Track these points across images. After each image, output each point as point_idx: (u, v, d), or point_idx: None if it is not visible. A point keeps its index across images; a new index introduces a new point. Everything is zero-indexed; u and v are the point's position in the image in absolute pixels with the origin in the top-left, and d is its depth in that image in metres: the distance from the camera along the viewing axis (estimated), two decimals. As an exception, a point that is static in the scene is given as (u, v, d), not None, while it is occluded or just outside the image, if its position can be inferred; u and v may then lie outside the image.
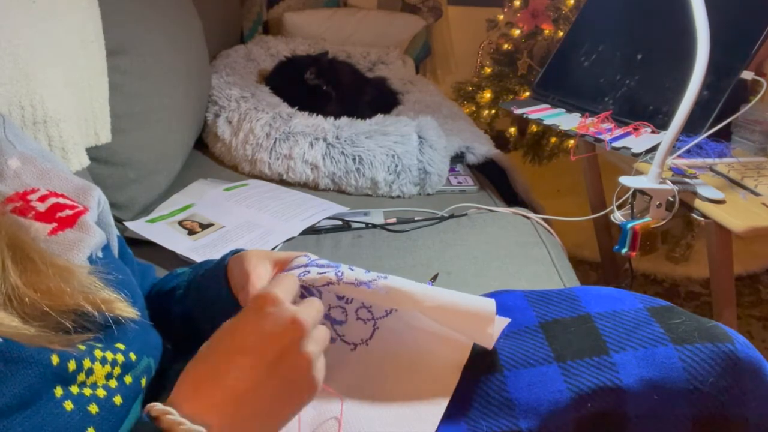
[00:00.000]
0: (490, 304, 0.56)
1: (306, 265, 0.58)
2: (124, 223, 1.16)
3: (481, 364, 0.57)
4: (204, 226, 1.18)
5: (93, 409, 0.47)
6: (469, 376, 0.56)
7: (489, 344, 0.56)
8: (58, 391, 0.46)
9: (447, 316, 0.56)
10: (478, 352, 0.58)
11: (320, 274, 0.56)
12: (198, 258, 1.06)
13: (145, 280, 0.74)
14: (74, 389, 0.47)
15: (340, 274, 0.56)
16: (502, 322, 0.59)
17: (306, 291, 0.58)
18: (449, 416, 0.55)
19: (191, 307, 0.66)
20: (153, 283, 0.75)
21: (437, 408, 0.54)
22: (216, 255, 1.02)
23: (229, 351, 0.46)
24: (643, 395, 0.53)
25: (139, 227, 1.15)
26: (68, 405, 0.46)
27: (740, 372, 0.54)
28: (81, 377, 0.47)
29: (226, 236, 1.16)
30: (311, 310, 0.50)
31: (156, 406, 0.43)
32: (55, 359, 0.45)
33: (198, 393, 0.44)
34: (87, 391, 0.47)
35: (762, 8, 1.11)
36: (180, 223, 1.19)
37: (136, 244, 1.09)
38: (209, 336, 0.48)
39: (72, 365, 0.46)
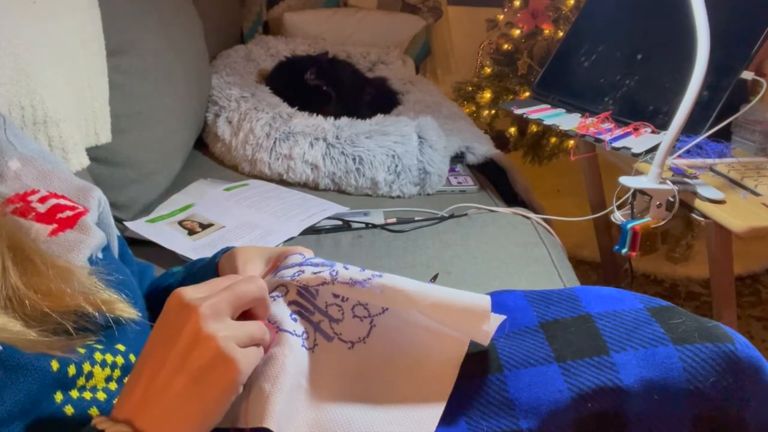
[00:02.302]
0: (485, 300, 0.56)
1: (300, 264, 0.58)
2: (124, 223, 1.16)
3: (481, 364, 0.57)
4: (204, 226, 1.18)
5: (93, 412, 0.47)
6: (468, 376, 0.56)
7: (484, 341, 0.56)
8: (59, 397, 0.46)
9: (442, 313, 0.56)
10: (478, 351, 0.58)
11: (315, 273, 0.56)
12: (197, 258, 1.06)
13: (145, 279, 0.74)
14: (74, 394, 0.47)
15: (334, 273, 0.56)
16: (498, 319, 0.59)
17: (304, 291, 0.57)
18: (449, 416, 0.54)
19: None
20: (152, 283, 0.75)
21: (436, 407, 0.54)
22: (216, 255, 1.02)
23: (143, 354, 0.45)
24: (644, 395, 0.53)
25: (139, 227, 1.15)
26: (69, 410, 0.46)
27: (741, 372, 0.54)
28: (81, 381, 0.47)
29: (226, 236, 1.16)
30: (205, 289, 0.47)
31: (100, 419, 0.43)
32: (55, 365, 0.45)
33: (122, 399, 0.44)
34: (87, 395, 0.47)
35: (762, 8, 1.11)
36: (180, 223, 1.19)
37: (136, 243, 1.09)
38: None
39: (72, 370, 0.46)
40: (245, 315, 0.50)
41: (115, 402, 0.45)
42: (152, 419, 0.42)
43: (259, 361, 0.49)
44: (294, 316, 0.56)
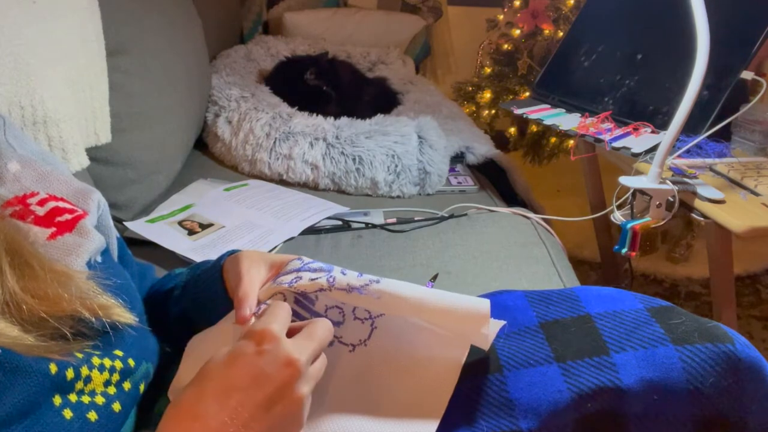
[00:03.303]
0: (484, 304, 0.56)
1: (298, 270, 0.58)
2: (124, 223, 1.16)
3: (481, 365, 0.57)
4: (204, 226, 1.18)
5: (92, 416, 0.47)
6: (469, 377, 0.56)
7: (484, 345, 0.56)
8: (57, 400, 0.45)
9: (441, 319, 0.56)
10: (478, 352, 0.58)
11: (312, 280, 0.56)
12: (198, 258, 1.06)
13: (145, 281, 0.74)
14: (73, 397, 0.47)
15: (331, 279, 0.56)
16: (497, 324, 0.59)
17: (302, 297, 0.57)
18: (449, 416, 0.54)
19: (188, 307, 0.66)
20: (152, 284, 0.75)
21: (437, 409, 0.54)
22: (216, 255, 1.02)
23: (218, 388, 0.45)
24: (643, 395, 0.53)
25: (139, 227, 1.15)
26: (67, 413, 0.46)
27: (740, 372, 0.54)
28: (79, 385, 0.47)
29: (226, 236, 1.16)
30: (309, 346, 0.49)
31: None
32: (53, 368, 0.45)
33: (190, 400, 0.45)
34: (86, 399, 0.47)
35: (762, 8, 1.11)
36: (180, 223, 1.19)
37: (136, 244, 1.09)
38: None
39: (70, 373, 0.46)
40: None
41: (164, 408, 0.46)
42: None
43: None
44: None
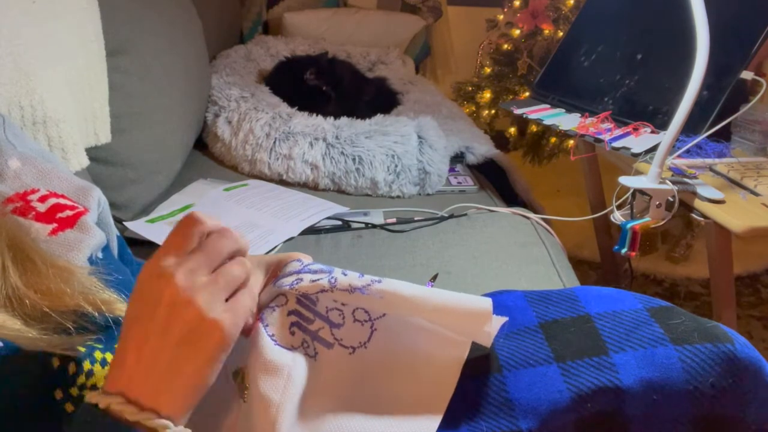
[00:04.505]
0: (486, 302, 0.56)
1: (299, 272, 0.58)
2: (124, 223, 1.16)
3: (480, 365, 0.57)
4: (204, 226, 1.18)
5: None
6: (468, 377, 0.56)
7: (487, 342, 0.56)
8: (59, 394, 0.46)
9: (443, 317, 0.56)
10: (478, 351, 0.58)
11: (313, 281, 0.56)
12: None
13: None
14: (74, 391, 0.47)
15: (333, 280, 0.56)
16: (499, 320, 0.59)
17: (304, 298, 0.57)
18: (449, 417, 0.54)
19: None
20: None
21: (437, 410, 0.54)
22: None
23: (125, 327, 0.45)
24: (643, 395, 0.53)
25: (139, 227, 1.15)
26: (69, 407, 0.46)
27: (740, 372, 0.54)
28: (81, 379, 0.47)
29: (226, 236, 1.16)
30: (175, 254, 0.46)
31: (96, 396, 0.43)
32: (55, 362, 0.45)
33: (111, 372, 0.44)
34: (87, 393, 0.47)
35: (762, 8, 1.11)
36: (180, 223, 1.19)
37: (136, 244, 1.09)
38: None
39: (72, 368, 0.46)
40: None
41: (105, 377, 0.45)
42: (144, 388, 0.43)
43: (249, 310, 0.49)
44: (292, 328, 0.56)
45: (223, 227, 0.48)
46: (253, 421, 0.50)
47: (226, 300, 0.46)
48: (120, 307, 0.52)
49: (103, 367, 0.49)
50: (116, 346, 0.45)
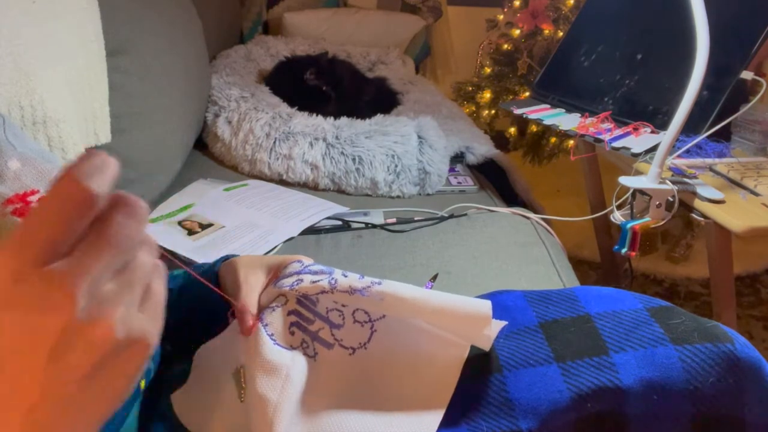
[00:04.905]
0: (486, 305, 0.56)
1: (299, 272, 0.58)
2: (124, 223, 1.16)
3: (480, 365, 0.57)
4: (204, 226, 1.18)
5: None
6: (468, 377, 0.56)
7: (486, 346, 0.56)
8: None
9: (443, 320, 0.56)
10: (478, 351, 0.58)
11: (313, 282, 0.56)
12: (198, 258, 1.06)
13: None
14: None
15: (333, 282, 0.56)
16: (498, 324, 0.59)
17: (304, 299, 0.57)
18: (449, 417, 0.54)
19: (185, 312, 0.66)
20: None
21: (437, 410, 0.54)
22: (216, 255, 1.02)
23: None
24: (643, 395, 0.53)
25: (139, 227, 1.15)
26: None
27: (740, 372, 0.54)
28: None
29: (226, 236, 1.16)
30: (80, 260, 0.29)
31: None
32: None
33: None
34: None
35: (762, 8, 1.11)
36: (180, 223, 1.19)
37: (136, 244, 1.09)
38: (204, 340, 0.47)
39: None
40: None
41: None
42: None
43: (161, 310, 0.34)
44: (292, 328, 0.56)
45: (120, 194, 0.30)
46: (251, 421, 0.50)
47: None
48: None
49: None
50: None
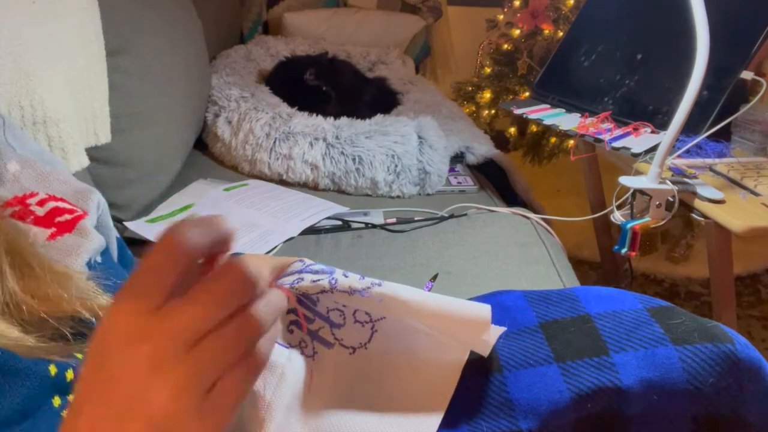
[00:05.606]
0: (485, 309, 0.55)
1: (300, 271, 0.58)
2: (124, 223, 1.16)
3: (480, 365, 0.57)
4: (204, 227, 1.18)
5: None
6: (468, 377, 0.56)
7: (485, 351, 0.56)
8: (56, 401, 0.46)
9: (442, 324, 0.56)
10: (478, 353, 0.58)
11: (314, 281, 0.56)
12: (198, 258, 1.06)
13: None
14: (72, 398, 0.47)
15: (333, 281, 0.56)
16: (498, 330, 0.59)
17: (304, 298, 0.57)
18: (448, 417, 0.54)
19: None
20: None
21: (436, 413, 0.54)
22: (216, 255, 1.02)
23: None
24: (644, 396, 0.53)
25: (139, 227, 1.15)
26: (66, 414, 0.45)
27: (740, 372, 0.54)
28: None
29: (226, 236, 1.16)
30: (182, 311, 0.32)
31: None
32: (53, 370, 0.45)
33: None
34: None
35: (762, 8, 1.11)
36: (180, 223, 1.19)
37: (136, 244, 1.09)
38: None
39: (70, 375, 0.46)
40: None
41: None
42: None
43: (256, 376, 0.34)
44: (291, 327, 0.56)
45: (232, 264, 0.34)
46: (243, 416, 0.50)
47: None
48: None
49: None
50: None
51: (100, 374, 0.32)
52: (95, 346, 0.33)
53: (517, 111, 1.42)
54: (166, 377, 0.31)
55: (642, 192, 1.05)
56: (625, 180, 1.05)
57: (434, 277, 1.04)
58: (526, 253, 1.16)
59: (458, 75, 2.63)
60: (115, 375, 0.31)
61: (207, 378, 0.32)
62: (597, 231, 1.79)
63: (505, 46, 2.36)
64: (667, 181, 1.02)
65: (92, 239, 0.57)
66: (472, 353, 0.57)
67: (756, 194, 1.01)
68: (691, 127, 1.07)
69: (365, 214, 1.30)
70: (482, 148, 1.57)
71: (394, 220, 1.27)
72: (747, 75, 1.09)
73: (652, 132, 1.16)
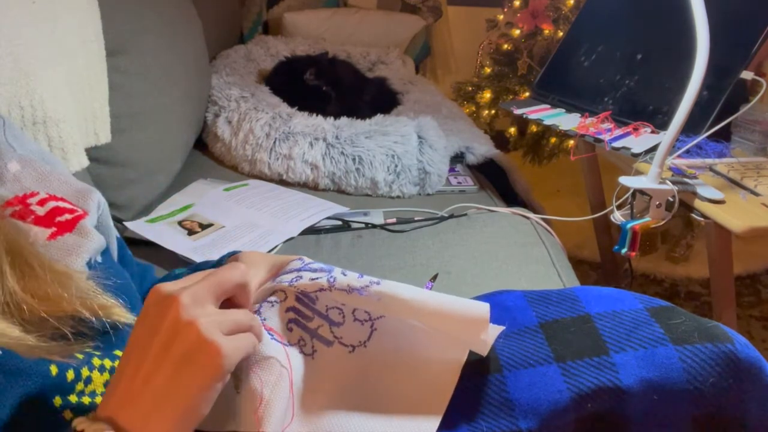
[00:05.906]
0: (484, 308, 0.55)
1: (299, 270, 0.58)
2: (124, 223, 1.16)
3: (480, 365, 0.57)
4: (204, 226, 1.18)
5: None
6: (468, 377, 0.56)
7: (483, 351, 0.56)
8: (57, 401, 0.46)
9: (440, 322, 0.56)
10: (477, 353, 0.58)
11: (312, 279, 0.56)
12: (198, 258, 1.06)
13: (145, 281, 0.74)
14: (73, 398, 0.47)
15: (332, 280, 0.56)
16: (496, 329, 0.59)
17: (303, 296, 0.57)
18: (448, 417, 0.54)
19: None
20: (152, 284, 0.75)
21: (437, 410, 0.54)
22: (216, 255, 1.02)
23: (126, 351, 0.44)
24: (643, 396, 0.53)
25: (139, 227, 1.15)
26: (67, 414, 0.46)
27: (740, 372, 0.54)
28: (80, 386, 0.47)
29: (226, 236, 1.16)
30: (184, 282, 0.46)
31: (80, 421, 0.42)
32: (53, 370, 0.45)
33: (105, 398, 0.43)
34: (86, 400, 0.47)
35: (762, 8, 1.11)
36: (180, 223, 1.19)
37: (136, 244, 1.09)
38: None
39: (70, 375, 0.46)
40: (228, 304, 0.49)
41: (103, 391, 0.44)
42: (134, 415, 0.41)
43: (250, 348, 0.47)
44: (290, 325, 0.56)
45: (235, 263, 0.50)
46: (241, 413, 0.50)
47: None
48: (118, 311, 0.52)
49: (101, 374, 0.49)
50: (116, 367, 0.44)
51: (145, 327, 0.44)
52: (144, 310, 0.45)
53: (517, 111, 1.42)
54: (199, 317, 0.43)
55: (642, 192, 1.05)
56: (625, 180, 1.05)
57: (434, 277, 1.04)
58: (526, 253, 1.16)
59: (458, 75, 2.63)
60: (155, 324, 0.43)
61: (224, 324, 0.45)
62: (597, 231, 1.79)
63: (505, 46, 2.36)
64: (667, 181, 1.02)
65: (92, 239, 0.57)
66: (471, 353, 0.57)
67: (756, 194, 1.01)
68: (691, 127, 1.07)
69: (365, 214, 1.30)
70: (482, 148, 1.57)
71: (394, 220, 1.27)
72: (747, 75, 1.09)
73: (652, 132, 1.17)
